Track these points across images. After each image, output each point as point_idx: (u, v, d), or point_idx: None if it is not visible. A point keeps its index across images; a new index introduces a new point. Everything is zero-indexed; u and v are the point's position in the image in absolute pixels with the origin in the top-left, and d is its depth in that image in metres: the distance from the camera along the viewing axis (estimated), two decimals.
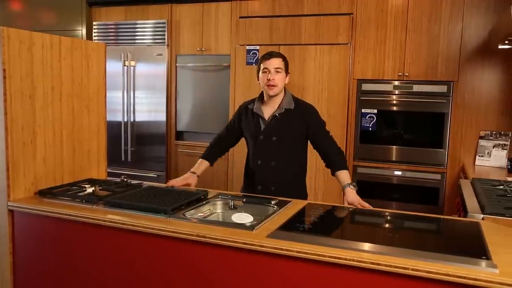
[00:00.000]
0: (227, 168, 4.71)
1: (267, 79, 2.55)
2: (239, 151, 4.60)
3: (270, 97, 2.62)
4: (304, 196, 2.74)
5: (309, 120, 2.64)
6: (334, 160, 2.61)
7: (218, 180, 4.75)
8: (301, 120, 2.63)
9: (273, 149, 2.63)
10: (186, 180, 2.64)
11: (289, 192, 2.54)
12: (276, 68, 2.56)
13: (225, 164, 4.70)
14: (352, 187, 2.46)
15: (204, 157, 2.81)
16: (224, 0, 4.67)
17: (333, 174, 2.61)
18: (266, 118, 2.65)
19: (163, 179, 4.98)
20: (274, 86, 2.55)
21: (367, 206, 2.36)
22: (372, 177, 4.25)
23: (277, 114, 2.62)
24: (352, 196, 2.42)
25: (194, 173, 2.71)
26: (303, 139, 2.68)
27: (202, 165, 2.78)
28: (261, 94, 2.71)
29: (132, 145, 5.11)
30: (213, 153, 2.86)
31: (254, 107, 2.68)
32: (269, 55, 2.59)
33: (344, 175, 2.55)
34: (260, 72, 2.61)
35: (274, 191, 2.59)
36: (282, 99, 2.65)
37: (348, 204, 2.41)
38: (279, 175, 2.65)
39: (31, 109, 2.33)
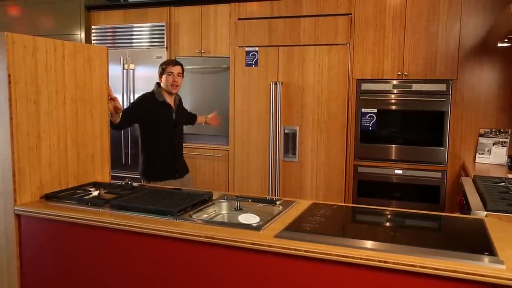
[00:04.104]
0: (227, 169, 4.72)
1: (172, 81, 3.35)
2: (239, 154, 4.62)
3: (172, 93, 3.43)
4: None
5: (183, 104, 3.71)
6: (193, 116, 3.97)
7: (219, 181, 4.77)
8: (183, 106, 3.69)
9: (181, 130, 3.57)
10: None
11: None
12: (178, 73, 3.39)
13: (225, 166, 4.72)
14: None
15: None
16: (223, 2, 4.68)
17: (194, 123, 3.99)
18: (174, 108, 3.46)
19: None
20: (177, 86, 3.39)
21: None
22: (373, 176, 4.27)
23: (177, 105, 3.51)
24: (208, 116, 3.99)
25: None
26: None
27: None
28: (159, 90, 3.41)
29: (132, 148, 5.12)
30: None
31: (164, 99, 3.39)
32: (174, 63, 3.41)
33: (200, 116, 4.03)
34: (166, 75, 3.36)
35: (183, 159, 3.62)
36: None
37: (209, 119, 3.98)
38: (182, 147, 3.62)
39: (36, 113, 2.34)
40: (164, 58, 4.92)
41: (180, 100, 3.59)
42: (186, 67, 4.95)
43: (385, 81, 4.18)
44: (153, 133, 3.38)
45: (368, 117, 4.24)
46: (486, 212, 2.19)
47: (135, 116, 3.34)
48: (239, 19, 4.63)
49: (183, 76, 3.47)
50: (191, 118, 3.93)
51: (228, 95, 4.70)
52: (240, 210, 2.33)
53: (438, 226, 2.13)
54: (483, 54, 3.93)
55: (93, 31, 5.22)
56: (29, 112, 2.30)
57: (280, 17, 4.46)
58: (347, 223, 2.21)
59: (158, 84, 3.44)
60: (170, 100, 3.44)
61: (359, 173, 4.32)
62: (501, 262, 1.52)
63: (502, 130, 3.91)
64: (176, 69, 3.38)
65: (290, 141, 4.50)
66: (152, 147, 3.40)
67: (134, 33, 5.05)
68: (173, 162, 3.44)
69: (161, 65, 3.43)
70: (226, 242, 1.83)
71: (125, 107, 5.00)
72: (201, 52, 4.82)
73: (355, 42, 4.24)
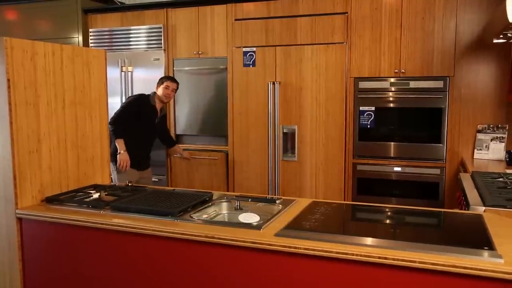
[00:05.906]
0: (227, 169, 4.73)
1: (168, 93, 4.01)
2: (238, 154, 4.64)
3: (164, 102, 4.08)
4: None
5: None
6: (172, 138, 4.62)
7: (219, 181, 4.78)
8: (165, 122, 4.49)
9: (155, 134, 4.19)
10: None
11: None
12: (173, 89, 4.06)
13: (225, 166, 4.73)
14: None
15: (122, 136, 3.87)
16: (219, 3, 4.69)
17: (171, 147, 4.62)
18: (159, 113, 4.08)
19: (164, 183, 5.00)
20: (170, 98, 4.10)
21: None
22: (372, 174, 4.29)
23: (161, 115, 4.15)
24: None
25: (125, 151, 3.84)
26: None
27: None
28: (153, 96, 4.02)
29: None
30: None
31: (154, 104, 4.01)
32: (172, 80, 4.07)
33: None
34: (163, 86, 3.99)
35: (149, 157, 4.21)
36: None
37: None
38: (151, 148, 4.22)
39: (36, 117, 2.35)
40: (162, 60, 4.94)
41: (164, 115, 4.29)
42: (183, 68, 5.00)
43: (383, 79, 4.20)
44: (135, 126, 3.92)
45: (366, 115, 4.26)
46: (484, 208, 2.20)
47: (129, 115, 3.88)
48: (236, 19, 4.64)
49: (175, 93, 4.16)
50: (169, 138, 4.47)
51: (226, 95, 4.72)
52: (240, 209, 2.35)
53: (437, 222, 2.14)
54: (479, 51, 3.94)
55: (90, 34, 5.23)
56: (28, 116, 2.31)
57: (277, 17, 4.48)
58: (347, 220, 2.22)
59: (154, 93, 4.05)
60: (158, 107, 4.05)
61: (358, 171, 4.33)
62: (500, 257, 1.54)
63: (499, 125, 3.93)
64: (173, 85, 4.04)
65: (289, 141, 4.51)
66: (129, 136, 3.90)
67: (131, 35, 5.06)
68: (142, 155, 4.09)
69: (162, 78, 4.08)
70: (227, 241, 1.85)
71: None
72: (199, 54, 4.83)
73: (352, 41, 4.26)
